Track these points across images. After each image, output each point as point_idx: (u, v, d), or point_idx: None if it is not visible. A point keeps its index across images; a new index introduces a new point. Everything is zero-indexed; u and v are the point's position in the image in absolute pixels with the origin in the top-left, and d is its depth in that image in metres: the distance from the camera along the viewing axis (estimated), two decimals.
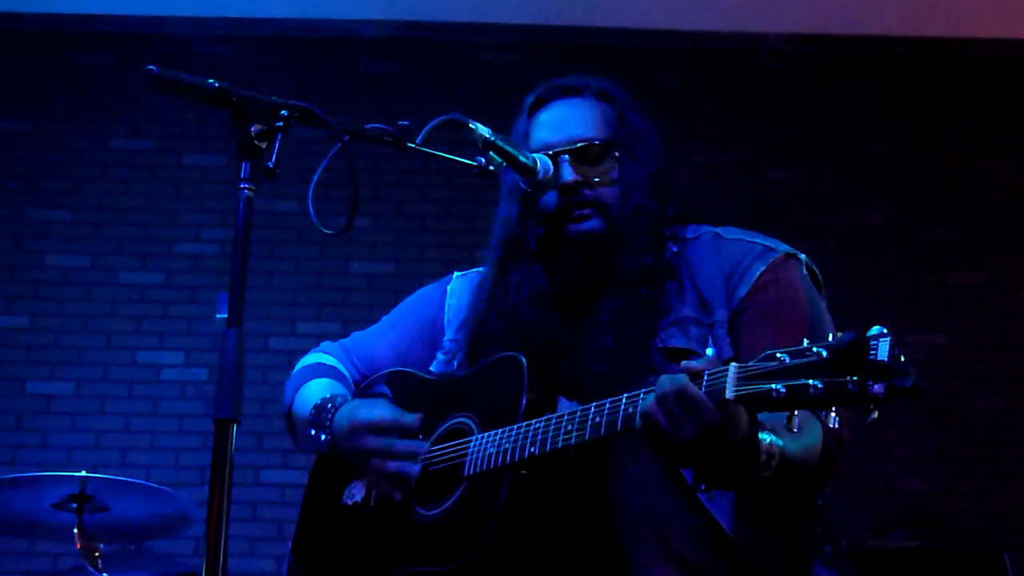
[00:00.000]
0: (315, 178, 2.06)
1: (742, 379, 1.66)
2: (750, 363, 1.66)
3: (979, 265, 5.79)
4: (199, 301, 5.55)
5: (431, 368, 2.37)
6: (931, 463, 5.49)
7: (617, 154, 2.23)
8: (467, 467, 2.07)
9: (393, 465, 2.16)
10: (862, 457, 5.05)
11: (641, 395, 1.81)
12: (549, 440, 1.94)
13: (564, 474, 2.01)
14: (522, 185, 2.22)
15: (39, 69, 5.88)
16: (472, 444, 2.08)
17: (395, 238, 5.72)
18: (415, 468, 2.15)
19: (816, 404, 1.59)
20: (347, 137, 2.00)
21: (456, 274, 2.51)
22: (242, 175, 1.81)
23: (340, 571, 2.29)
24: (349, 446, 2.21)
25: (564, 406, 2.03)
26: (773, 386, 1.61)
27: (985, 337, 5.68)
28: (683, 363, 1.77)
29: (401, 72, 5.95)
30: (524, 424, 2.00)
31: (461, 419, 2.17)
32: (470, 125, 2.18)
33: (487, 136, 2.17)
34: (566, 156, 2.21)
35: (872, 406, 1.55)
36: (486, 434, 2.06)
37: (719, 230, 2.23)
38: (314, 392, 2.36)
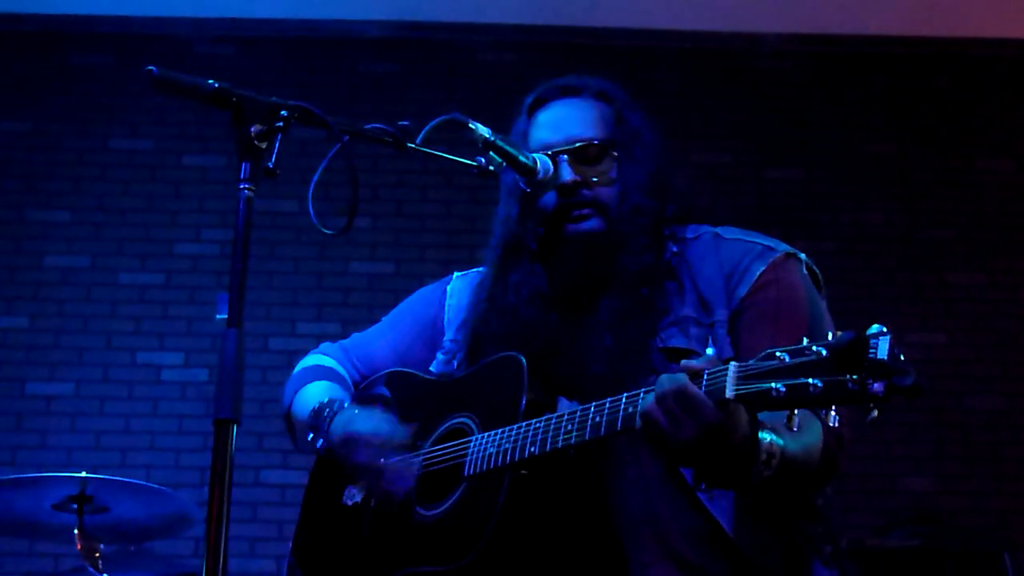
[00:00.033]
0: (315, 178, 2.06)
1: (742, 378, 1.66)
2: (750, 362, 1.66)
3: (979, 265, 5.79)
4: (199, 301, 5.54)
5: (431, 368, 2.37)
6: (931, 462, 5.48)
7: (616, 154, 2.23)
8: (467, 467, 2.07)
9: (387, 479, 2.16)
10: (862, 456, 5.05)
11: (641, 395, 1.81)
12: (549, 440, 1.94)
13: (564, 474, 2.00)
14: (522, 185, 2.22)
15: (39, 69, 5.87)
16: (472, 444, 2.08)
17: (395, 238, 5.71)
18: (409, 482, 2.15)
19: (816, 403, 1.59)
20: (347, 137, 2.00)
21: (456, 274, 2.51)
22: (242, 175, 1.82)
23: (340, 571, 2.29)
24: (343, 455, 2.22)
25: (564, 406, 2.03)
26: (773, 385, 1.61)
27: (985, 337, 5.68)
28: (683, 362, 1.77)
29: (401, 72, 5.94)
30: (524, 424, 2.00)
31: (461, 419, 2.17)
32: (470, 125, 2.18)
33: (487, 136, 2.17)
34: (565, 156, 2.21)
35: (872, 405, 1.55)
36: (486, 434, 2.06)
37: (719, 230, 2.23)
38: (313, 395, 2.36)
